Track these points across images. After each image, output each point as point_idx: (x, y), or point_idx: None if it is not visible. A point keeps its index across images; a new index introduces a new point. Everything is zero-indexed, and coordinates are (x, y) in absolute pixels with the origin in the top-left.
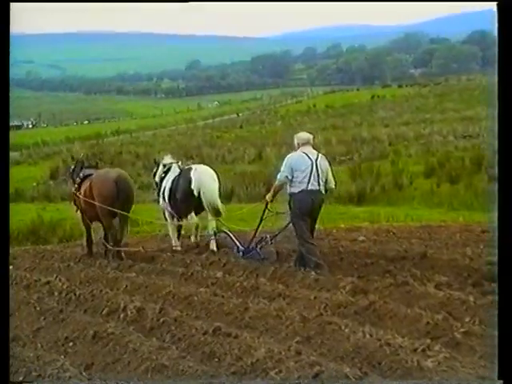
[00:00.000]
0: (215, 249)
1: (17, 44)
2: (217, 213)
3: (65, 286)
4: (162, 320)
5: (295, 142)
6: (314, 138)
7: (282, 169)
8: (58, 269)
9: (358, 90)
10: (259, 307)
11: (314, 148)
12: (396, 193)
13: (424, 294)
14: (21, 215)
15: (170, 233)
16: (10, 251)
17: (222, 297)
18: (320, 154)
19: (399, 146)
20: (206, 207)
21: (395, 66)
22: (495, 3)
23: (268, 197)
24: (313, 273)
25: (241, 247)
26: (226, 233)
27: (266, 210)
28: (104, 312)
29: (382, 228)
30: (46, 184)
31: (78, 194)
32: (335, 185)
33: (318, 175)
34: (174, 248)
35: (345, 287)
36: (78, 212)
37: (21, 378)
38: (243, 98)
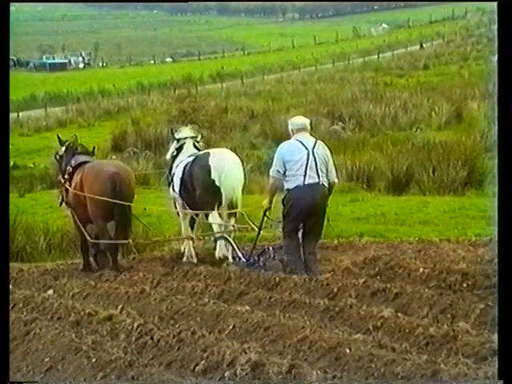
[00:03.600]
0: (219, 256)
1: None
2: (233, 208)
3: (136, 325)
4: (293, 383)
5: (289, 128)
6: (310, 122)
7: (274, 162)
8: (126, 296)
9: None
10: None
11: (311, 134)
12: None
13: None
14: (66, 209)
15: (183, 232)
16: (49, 267)
17: (393, 350)
18: (318, 141)
19: None
20: (223, 200)
21: None
22: (495, 3)
23: (264, 203)
24: None
25: (243, 258)
26: (227, 239)
27: (265, 218)
28: (199, 368)
29: None
30: (106, 159)
31: (67, 185)
32: (337, 177)
33: (316, 165)
34: (186, 260)
35: None
36: (66, 207)
37: None
38: (430, 16)
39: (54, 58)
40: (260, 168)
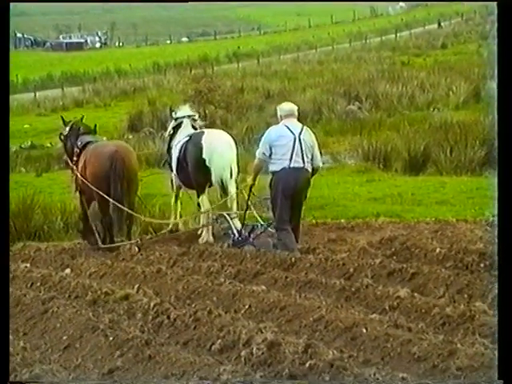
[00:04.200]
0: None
1: None
2: (224, 190)
3: (153, 304)
4: (308, 363)
5: (278, 114)
6: (298, 108)
7: (261, 145)
8: (142, 275)
9: None
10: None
11: (298, 120)
12: None
13: None
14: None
15: (172, 207)
16: (66, 246)
17: (409, 330)
18: (305, 127)
19: None
20: (213, 181)
21: None
22: (495, 3)
23: (249, 181)
24: None
25: (236, 235)
26: (224, 217)
27: (251, 195)
28: (215, 347)
29: None
30: (122, 139)
31: (76, 169)
32: (322, 162)
33: (302, 151)
34: (173, 228)
35: None
36: (77, 192)
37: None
38: None
39: (70, 38)
40: None
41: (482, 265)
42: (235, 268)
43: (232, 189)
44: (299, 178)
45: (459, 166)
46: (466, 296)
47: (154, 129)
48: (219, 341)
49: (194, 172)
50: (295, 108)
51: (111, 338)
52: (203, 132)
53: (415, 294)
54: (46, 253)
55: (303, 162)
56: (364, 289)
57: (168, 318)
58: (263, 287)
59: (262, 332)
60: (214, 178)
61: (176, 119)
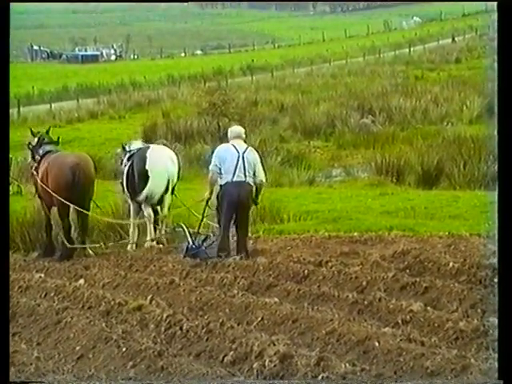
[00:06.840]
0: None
1: None
2: (159, 202)
3: (165, 315)
4: (321, 376)
5: (228, 135)
6: (245, 132)
7: (213, 160)
8: (156, 287)
9: None
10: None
11: (244, 142)
12: None
13: None
14: (98, 200)
15: (131, 228)
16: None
17: (422, 344)
18: (249, 147)
19: None
20: (147, 189)
21: None
22: (495, 3)
23: (206, 194)
24: None
25: (191, 243)
26: (181, 227)
27: (207, 207)
28: (227, 359)
29: None
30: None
31: (36, 175)
32: (266, 178)
33: (245, 167)
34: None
35: None
36: (37, 196)
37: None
38: (463, 9)
39: (86, 50)
40: (289, 161)
41: (495, 279)
42: (248, 280)
43: (167, 201)
44: (241, 191)
45: (472, 181)
46: (479, 311)
47: (167, 141)
48: (231, 353)
49: (138, 180)
50: (243, 131)
51: (124, 349)
52: (149, 147)
53: (428, 308)
54: (60, 263)
55: (245, 176)
56: (377, 302)
57: (181, 329)
58: (276, 299)
59: (274, 344)
60: (149, 188)
61: (130, 151)
